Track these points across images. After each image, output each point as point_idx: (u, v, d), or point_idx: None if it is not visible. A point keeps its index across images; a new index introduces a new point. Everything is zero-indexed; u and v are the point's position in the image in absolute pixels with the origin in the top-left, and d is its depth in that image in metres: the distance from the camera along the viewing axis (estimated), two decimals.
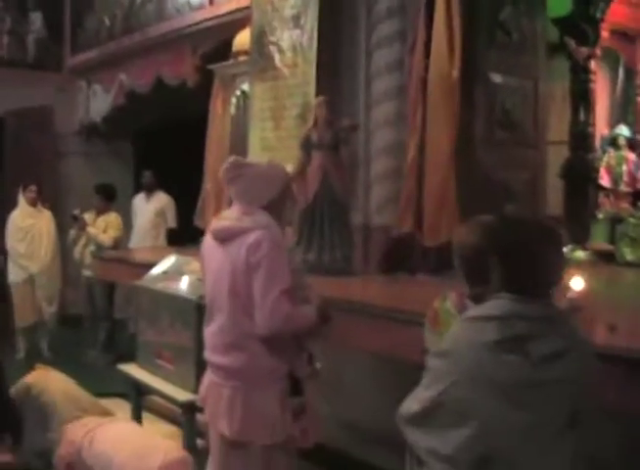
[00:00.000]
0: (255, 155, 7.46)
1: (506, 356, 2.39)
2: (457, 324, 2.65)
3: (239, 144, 8.13)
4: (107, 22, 11.92)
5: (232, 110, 8.63)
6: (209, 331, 3.95)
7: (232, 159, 3.92)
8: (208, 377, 4.02)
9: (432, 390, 2.51)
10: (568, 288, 3.08)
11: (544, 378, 2.39)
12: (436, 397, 2.49)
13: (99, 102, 12.40)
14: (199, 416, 4.97)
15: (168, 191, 10.66)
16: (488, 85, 6.75)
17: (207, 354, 3.99)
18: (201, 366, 4.31)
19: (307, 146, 6.46)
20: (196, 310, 5.04)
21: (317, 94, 6.80)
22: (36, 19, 13.09)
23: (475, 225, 2.93)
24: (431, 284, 5.50)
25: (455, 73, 6.13)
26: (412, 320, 4.04)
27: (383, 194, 6.63)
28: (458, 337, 2.56)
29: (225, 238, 3.78)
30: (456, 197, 6.15)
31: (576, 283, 3.18)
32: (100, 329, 9.63)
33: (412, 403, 2.58)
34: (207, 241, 3.96)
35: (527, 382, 2.39)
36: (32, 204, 9.99)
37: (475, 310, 2.64)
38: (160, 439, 4.71)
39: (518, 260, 2.49)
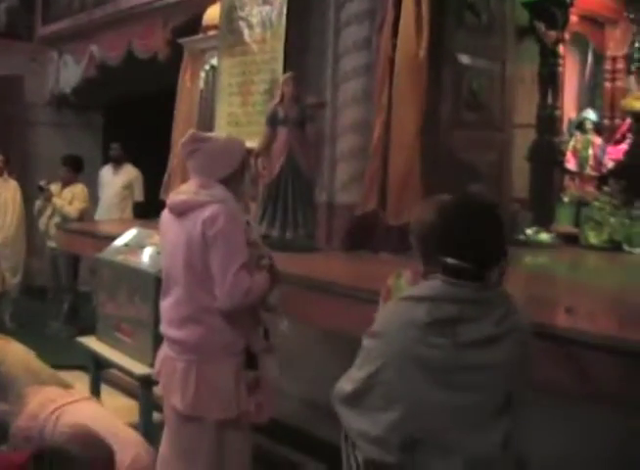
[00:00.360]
0: (222, 130, 7.45)
1: (434, 339, 2.38)
2: (390, 304, 2.65)
3: (206, 119, 8.12)
4: None
5: (201, 84, 8.60)
6: (165, 304, 3.96)
7: (190, 132, 3.92)
8: (164, 351, 4.03)
9: (363, 371, 2.51)
10: None
11: (473, 362, 2.39)
12: (367, 378, 2.48)
13: (70, 73, 12.29)
14: (156, 390, 4.97)
15: (137, 164, 10.61)
16: (456, 66, 6.76)
17: (163, 328, 4.00)
18: (158, 340, 4.31)
19: (273, 122, 6.47)
20: (154, 284, 4.98)
21: (285, 70, 6.80)
22: None
23: (430, 204, 2.92)
24: (393, 263, 5.50)
25: (422, 53, 6.14)
26: (372, 299, 4.07)
27: (348, 172, 6.62)
28: (390, 317, 2.56)
29: (182, 211, 3.79)
30: (420, 177, 6.18)
31: None
32: (63, 301, 9.61)
33: (345, 384, 2.57)
34: (165, 215, 3.97)
35: (455, 365, 2.38)
36: None
37: (408, 291, 2.64)
38: (129, 435, 4.63)
39: (450, 240, 2.49)
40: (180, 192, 3.93)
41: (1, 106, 12.48)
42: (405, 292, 2.67)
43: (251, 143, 6.00)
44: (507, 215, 7.30)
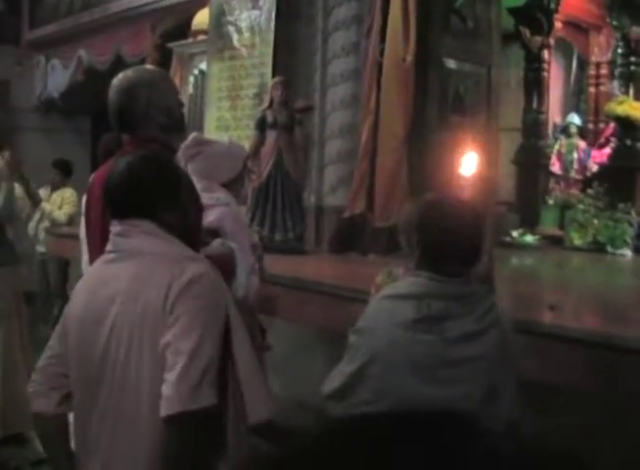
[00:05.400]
0: (211, 134, 7.49)
1: (422, 335, 2.43)
2: (375, 301, 2.69)
3: (195, 123, 8.17)
4: None
5: (190, 89, 8.66)
6: None
7: (193, 135, 3.93)
8: None
9: (351, 366, 2.54)
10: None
11: (459, 356, 2.44)
12: (354, 373, 2.53)
13: (57, 77, 12.31)
14: None
15: None
16: (442, 70, 6.84)
17: None
18: None
19: (262, 126, 6.53)
20: None
21: (274, 75, 6.88)
22: None
23: (415, 203, 2.97)
24: (381, 264, 5.57)
25: (409, 58, 6.24)
26: (357, 297, 4.14)
27: (336, 175, 6.72)
28: (375, 314, 2.60)
29: None
30: (407, 179, 6.26)
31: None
32: (53, 306, 9.61)
33: (334, 379, 2.62)
34: None
35: (442, 361, 2.43)
36: None
37: (392, 288, 2.68)
38: None
39: (430, 238, 2.54)
40: None
41: None
42: (389, 289, 2.73)
43: None
44: (493, 218, 7.40)
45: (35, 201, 8.64)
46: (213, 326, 2.21)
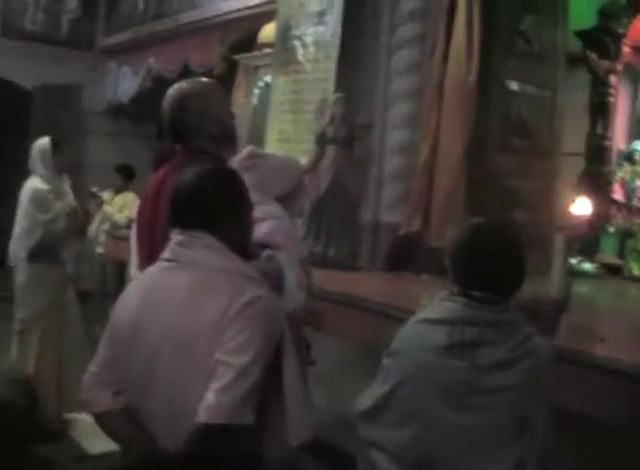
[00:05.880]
0: (272, 146, 7.56)
1: (453, 362, 2.44)
2: (410, 324, 2.69)
3: (257, 134, 8.23)
4: (140, 5, 12.06)
5: (254, 100, 8.74)
6: None
7: (249, 148, 3.95)
8: None
9: (382, 387, 2.56)
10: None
11: (490, 385, 2.43)
12: (385, 395, 2.54)
13: (127, 83, 12.54)
14: None
15: None
16: (505, 92, 6.81)
17: None
18: None
19: (322, 141, 6.56)
20: None
21: (336, 91, 6.91)
22: None
23: (460, 227, 2.97)
24: (434, 284, 5.55)
25: (472, 79, 6.21)
26: (405, 317, 4.14)
27: (393, 193, 6.70)
28: (409, 338, 2.62)
29: None
30: (464, 200, 6.24)
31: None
32: (108, 306, 9.71)
33: (366, 399, 2.63)
34: None
35: (473, 388, 2.43)
36: None
37: (427, 312, 2.70)
38: None
39: (467, 263, 2.53)
40: None
41: (58, 113, 12.68)
42: (424, 312, 2.72)
43: (301, 160, 6.09)
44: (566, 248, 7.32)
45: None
46: (265, 352, 2.25)
